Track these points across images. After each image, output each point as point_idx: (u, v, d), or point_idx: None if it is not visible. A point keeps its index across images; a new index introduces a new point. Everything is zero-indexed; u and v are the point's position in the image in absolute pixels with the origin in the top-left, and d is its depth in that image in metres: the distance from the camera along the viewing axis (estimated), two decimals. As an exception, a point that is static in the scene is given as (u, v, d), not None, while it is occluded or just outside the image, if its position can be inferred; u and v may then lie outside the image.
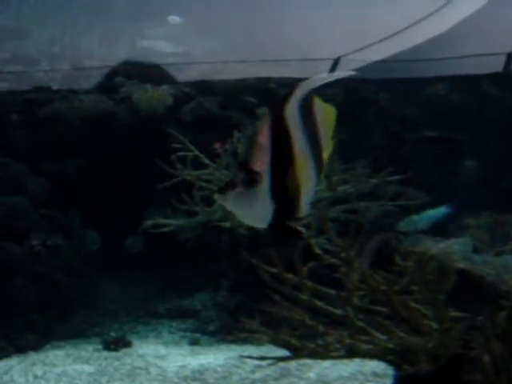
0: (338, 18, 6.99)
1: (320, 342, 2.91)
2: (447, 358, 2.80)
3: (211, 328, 5.37)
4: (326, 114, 1.80)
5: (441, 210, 4.80)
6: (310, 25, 7.08)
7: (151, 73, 6.31)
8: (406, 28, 6.48)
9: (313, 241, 4.00)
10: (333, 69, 6.34)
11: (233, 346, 4.92)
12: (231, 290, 5.25)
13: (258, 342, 4.61)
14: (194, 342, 5.22)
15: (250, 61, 6.43)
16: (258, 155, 1.71)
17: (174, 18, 6.47)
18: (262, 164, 1.71)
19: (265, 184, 1.70)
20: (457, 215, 4.81)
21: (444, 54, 6.43)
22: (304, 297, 3.09)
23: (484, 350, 2.71)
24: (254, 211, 1.73)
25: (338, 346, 2.76)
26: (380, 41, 6.46)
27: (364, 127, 5.86)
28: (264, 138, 1.71)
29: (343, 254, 2.87)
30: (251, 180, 1.70)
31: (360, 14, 6.89)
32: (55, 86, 6.36)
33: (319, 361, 3.64)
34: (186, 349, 5.12)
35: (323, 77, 1.75)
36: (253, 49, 6.93)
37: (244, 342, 4.71)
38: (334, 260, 2.95)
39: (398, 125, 6.20)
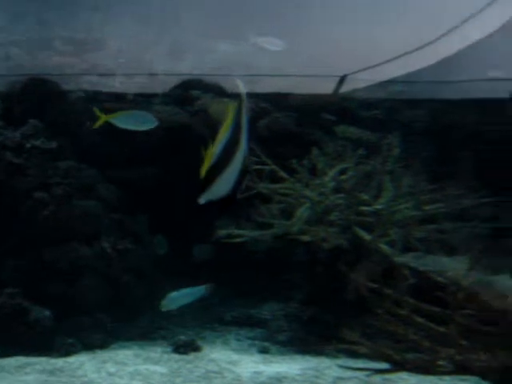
0: (346, 35, 7.07)
1: (422, 356, 3.05)
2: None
3: (282, 338, 5.47)
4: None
5: (200, 290, 4.90)
6: (321, 40, 7.17)
7: (224, 87, 6.49)
8: (416, 49, 6.56)
9: (397, 259, 4.13)
10: (338, 86, 6.45)
11: (308, 357, 5.02)
12: (304, 302, 5.38)
13: (333, 355, 4.77)
14: (264, 351, 5.33)
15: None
16: None
17: (274, 41, 6.54)
18: None
19: None
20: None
21: (455, 77, 6.50)
22: (403, 312, 3.23)
23: None
24: None
25: (444, 361, 2.89)
26: (390, 60, 6.55)
27: (453, 148, 5.96)
28: None
29: (450, 273, 3.01)
30: None
31: (369, 32, 6.97)
32: (130, 96, 6.56)
33: (404, 377, 3.76)
34: (256, 356, 5.23)
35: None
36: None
37: (319, 353, 4.84)
38: (439, 278, 3.09)
39: (487, 146, 6.26)
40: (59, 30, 7.44)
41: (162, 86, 6.76)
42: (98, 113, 4.71)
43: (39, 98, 6.49)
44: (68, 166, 6.24)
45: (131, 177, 6.45)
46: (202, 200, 2.12)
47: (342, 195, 4.85)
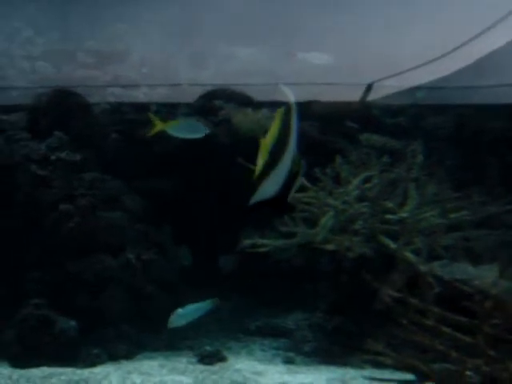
0: (375, 42, 7.03)
1: (449, 367, 2.99)
2: None
3: (306, 348, 5.44)
4: None
5: (207, 304, 4.86)
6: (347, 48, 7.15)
7: (248, 97, 6.50)
8: (443, 55, 6.49)
9: (423, 267, 4.07)
10: (366, 94, 6.40)
11: (332, 368, 4.98)
12: (328, 312, 5.34)
13: (359, 365, 4.72)
14: (289, 361, 5.31)
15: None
16: None
17: (321, 56, 6.53)
18: None
19: None
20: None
21: (483, 82, 6.41)
22: (429, 322, 3.18)
23: None
24: None
25: (471, 372, 2.83)
26: (416, 67, 6.49)
27: (478, 155, 5.90)
28: None
29: (476, 282, 2.95)
30: None
31: (396, 39, 6.93)
32: (153, 106, 6.60)
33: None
34: (281, 367, 5.21)
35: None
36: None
37: (344, 364, 4.80)
38: (465, 287, 3.04)
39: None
40: (83, 42, 7.53)
41: (186, 95, 6.79)
42: (154, 120, 4.75)
43: (64, 110, 6.56)
44: (92, 177, 6.28)
45: (156, 187, 6.48)
46: (252, 201, 2.12)
47: (366, 203, 4.80)
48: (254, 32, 7.43)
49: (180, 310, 4.83)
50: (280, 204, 2.19)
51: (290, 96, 2.18)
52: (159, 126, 4.76)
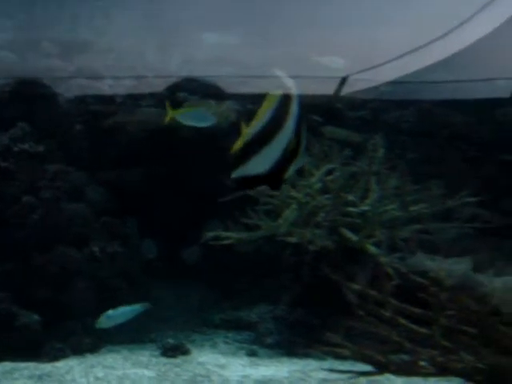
0: (348, 37, 7.06)
1: (406, 358, 3.03)
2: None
3: (269, 341, 5.47)
4: None
5: (137, 308, 4.93)
6: (320, 42, 7.16)
7: (212, 88, 6.48)
8: (416, 49, 6.55)
9: (383, 259, 4.12)
10: (340, 87, 6.44)
11: (295, 360, 5.02)
12: (291, 305, 5.37)
13: (320, 357, 4.76)
14: (252, 354, 5.33)
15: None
16: None
17: (336, 60, 6.48)
18: None
19: None
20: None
21: (454, 77, 6.49)
22: (387, 314, 3.22)
23: None
24: None
25: (425, 363, 2.88)
26: (389, 61, 6.55)
27: (437, 148, 5.97)
28: None
29: (432, 274, 2.99)
30: None
31: (371, 34, 6.97)
32: (118, 98, 6.55)
33: (391, 378, 3.75)
34: (244, 359, 5.23)
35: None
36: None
37: (306, 356, 4.84)
38: (420, 279, 3.08)
39: (473, 146, 6.28)
40: (48, 31, 7.42)
41: (152, 86, 6.74)
42: (168, 108, 4.72)
43: (28, 101, 6.47)
44: (56, 169, 6.21)
45: (120, 179, 6.44)
46: (234, 175, 2.13)
47: (328, 196, 4.83)
48: (225, 19, 7.38)
49: (110, 312, 4.84)
50: (271, 181, 2.25)
51: (287, 81, 2.22)
52: (171, 113, 4.74)
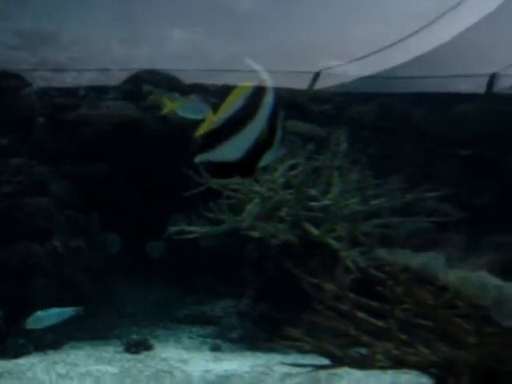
0: (323, 32, 7.06)
1: (363, 352, 3.04)
2: (484, 371, 2.94)
3: (233, 335, 5.46)
4: None
5: (68, 311, 4.85)
6: (295, 36, 7.16)
7: (177, 81, 6.43)
8: (391, 45, 6.59)
9: (344, 253, 4.13)
10: (313, 82, 6.45)
11: (258, 354, 5.02)
12: (255, 299, 5.36)
13: (284, 351, 4.76)
14: (216, 348, 5.33)
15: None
16: None
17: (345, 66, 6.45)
18: None
19: None
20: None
21: (427, 73, 6.54)
22: (345, 307, 3.22)
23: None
24: None
25: (382, 356, 2.88)
26: (362, 57, 6.58)
27: (398, 143, 6.00)
28: None
29: (388, 268, 3.00)
30: None
31: (345, 29, 6.98)
32: (82, 91, 6.47)
33: (351, 371, 3.76)
34: (207, 354, 5.22)
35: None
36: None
37: (269, 350, 4.83)
38: (377, 273, 3.08)
39: (432, 141, 6.33)
40: (11, 22, 7.29)
41: (115, 79, 6.66)
42: (165, 101, 4.63)
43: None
44: (19, 162, 6.12)
45: (84, 173, 6.36)
46: (198, 159, 2.15)
47: (291, 191, 4.83)
48: (190, 14, 7.32)
49: (39, 313, 4.78)
50: (243, 169, 2.25)
51: (262, 73, 2.22)
52: (169, 105, 4.66)
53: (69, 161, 6.37)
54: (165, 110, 4.64)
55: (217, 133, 2.18)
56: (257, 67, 2.20)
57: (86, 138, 6.32)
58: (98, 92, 6.54)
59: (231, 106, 2.19)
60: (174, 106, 4.67)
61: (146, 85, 6.39)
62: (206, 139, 2.17)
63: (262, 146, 2.23)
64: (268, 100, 2.20)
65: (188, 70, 6.57)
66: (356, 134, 5.61)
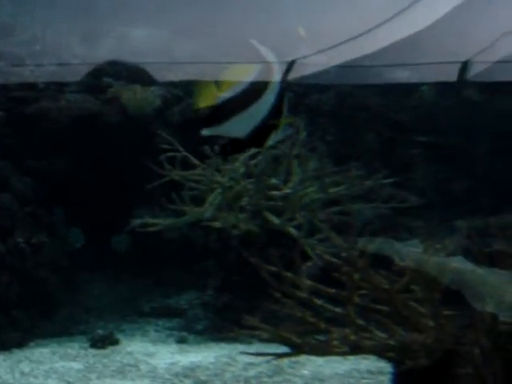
0: (294, 21, 7.06)
1: (322, 338, 3.04)
2: (441, 354, 2.96)
3: (198, 327, 5.47)
4: None
5: None
6: (264, 27, 7.14)
7: (138, 73, 6.36)
8: (364, 33, 6.60)
9: (303, 241, 4.13)
10: (287, 72, 6.44)
11: (222, 345, 5.03)
12: (218, 290, 5.36)
13: (247, 341, 4.76)
14: (182, 341, 5.33)
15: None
16: None
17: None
18: None
19: None
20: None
21: (402, 61, 6.56)
22: (303, 295, 3.22)
23: (474, 345, 2.88)
24: None
25: (340, 342, 2.89)
26: (336, 45, 6.58)
27: (357, 131, 6.02)
28: None
29: (345, 254, 3.00)
30: None
31: (317, 17, 6.98)
32: (41, 84, 6.36)
33: (312, 358, 3.78)
34: (173, 347, 5.22)
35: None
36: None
37: (233, 340, 4.84)
38: (333, 259, 3.09)
39: (390, 129, 6.36)
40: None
41: (75, 73, 6.57)
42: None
43: None
44: (-21, 159, 6.02)
45: (46, 168, 6.27)
46: (204, 132, 2.18)
47: (252, 180, 4.82)
48: (149, 13, 7.25)
49: None
50: (249, 146, 2.34)
51: (267, 53, 2.21)
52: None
53: (30, 155, 6.27)
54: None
55: (224, 108, 2.17)
56: (262, 49, 2.20)
57: (46, 132, 6.22)
58: (58, 85, 6.44)
59: (237, 83, 2.19)
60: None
61: (106, 77, 6.32)
62: (212, 113, 2.17)
63: (268, 126, 2.24)
64: (275, 81, 2.20)
65: (150, 63, 6.51)
66: (315, 122, 5.63)
